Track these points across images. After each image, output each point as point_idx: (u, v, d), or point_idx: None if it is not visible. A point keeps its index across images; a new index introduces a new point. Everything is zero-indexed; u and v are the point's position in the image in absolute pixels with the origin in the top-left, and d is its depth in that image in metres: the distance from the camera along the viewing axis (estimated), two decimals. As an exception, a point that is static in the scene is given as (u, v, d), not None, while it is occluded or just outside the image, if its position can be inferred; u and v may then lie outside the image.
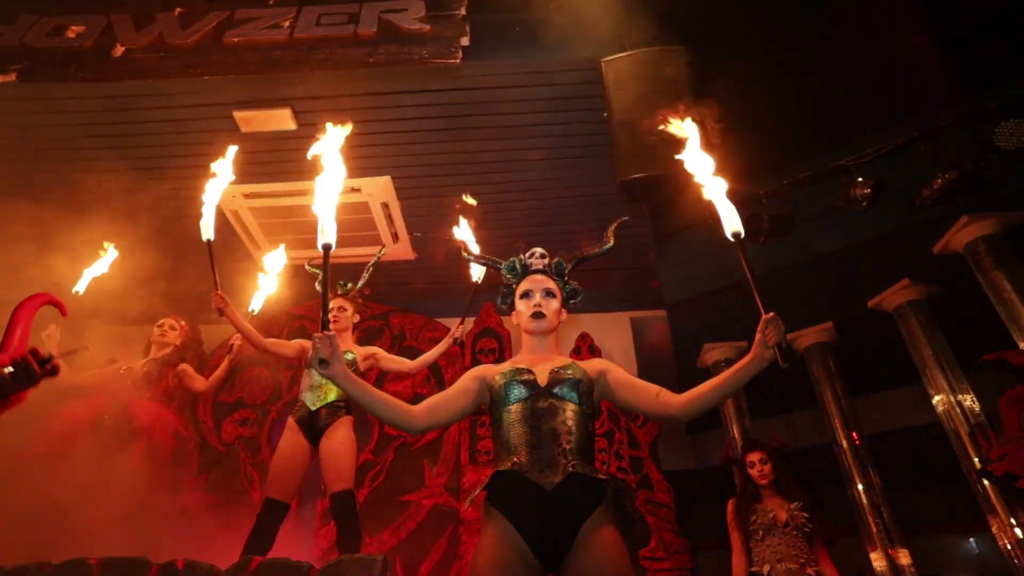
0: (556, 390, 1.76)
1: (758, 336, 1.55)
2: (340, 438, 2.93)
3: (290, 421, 3.02)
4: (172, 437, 3.16)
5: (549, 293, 1.94)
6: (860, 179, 4.35)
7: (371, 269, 3.41)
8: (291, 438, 2.96)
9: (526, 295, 1.94)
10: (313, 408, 2.98)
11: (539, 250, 2.04)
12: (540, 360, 1.88)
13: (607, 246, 2.08)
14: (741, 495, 3.19)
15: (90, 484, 2.84)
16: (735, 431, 5.53)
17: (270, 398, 5.04)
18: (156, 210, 4.33)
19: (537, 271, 1.99)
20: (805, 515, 2.96)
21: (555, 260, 2.03)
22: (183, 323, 3.62)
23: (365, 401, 1.61)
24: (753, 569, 2.98)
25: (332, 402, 2.99)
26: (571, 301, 2.03)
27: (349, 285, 3.38)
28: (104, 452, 2.97)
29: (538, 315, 1.89)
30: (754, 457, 3.20)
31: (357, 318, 3.34)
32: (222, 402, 5.04)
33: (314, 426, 2.97)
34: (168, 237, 4.49)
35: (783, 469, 3.16)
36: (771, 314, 1.53)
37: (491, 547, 1.59)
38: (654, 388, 1.78)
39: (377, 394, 1.64)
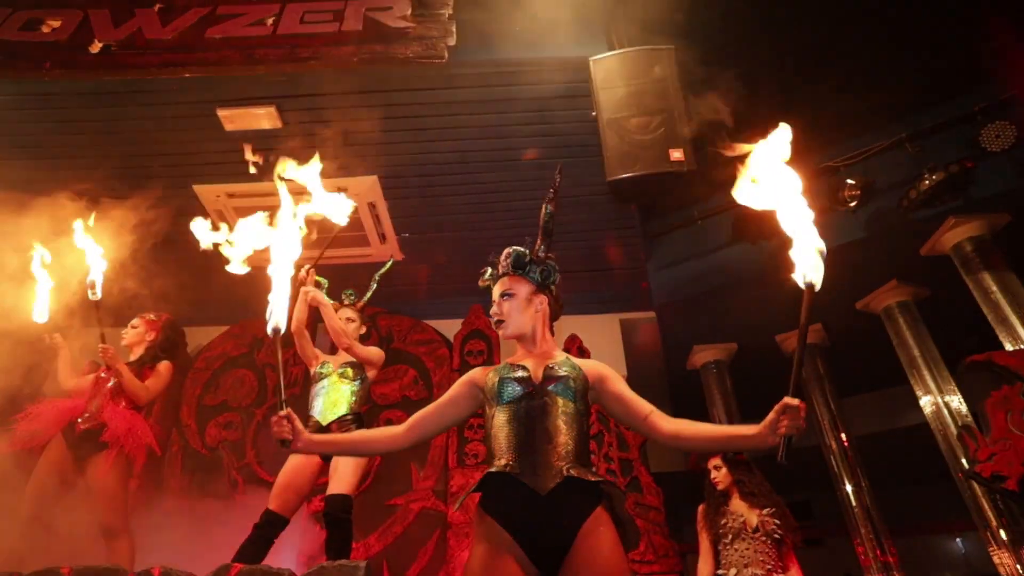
0: (551, 387, 1.71)
1: (771, 416, 1.44)
2: None
3: None
4: (144, 450, 3.06)
5: (505, 295, 1.86)
6: (849, 181, 4.37)
7: (378, 280, 3.37)
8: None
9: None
10: (324, 423, 2.98)
11: (507, 250, 1.93)
12: (535, 356, 1.83)
13: (550, 196, 1.95)
14: (710, 499, 3.20)
15: (59, 490, 2.77)
16: (725, 433, 5.54)
17: (255, 401, 4.96)
18: (138, 209, 4.26)
19: (503, 275, 1.91)
20: (776, 521, 2.96)
21: (512, 254, 1.90)
22: (153, 317, 3.46)
23: (345, 452, 1.69)
24: (719, 572, 2.98)
25: (342, 416, 3.01)
26: (547, 282, 1.91)
27: (354, 296, 3.34)
28: (74, 458, 2.90)
29: (498, 323, 1.86)
30: (711, 463, 3.24)
31: (364, 329, 3.31)
32: (206, 405, 4.96)
33: None
34: (152, 236, 4.41)
35: (742, 474, 3.16)
36: (796, 401, 1.40)
37: (485, 554, 1.55)
38: (645, 408, 1.74)
39: (350, 439, 1.71)
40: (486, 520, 1.61)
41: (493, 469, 1.64)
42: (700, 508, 3.23)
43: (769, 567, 2.86)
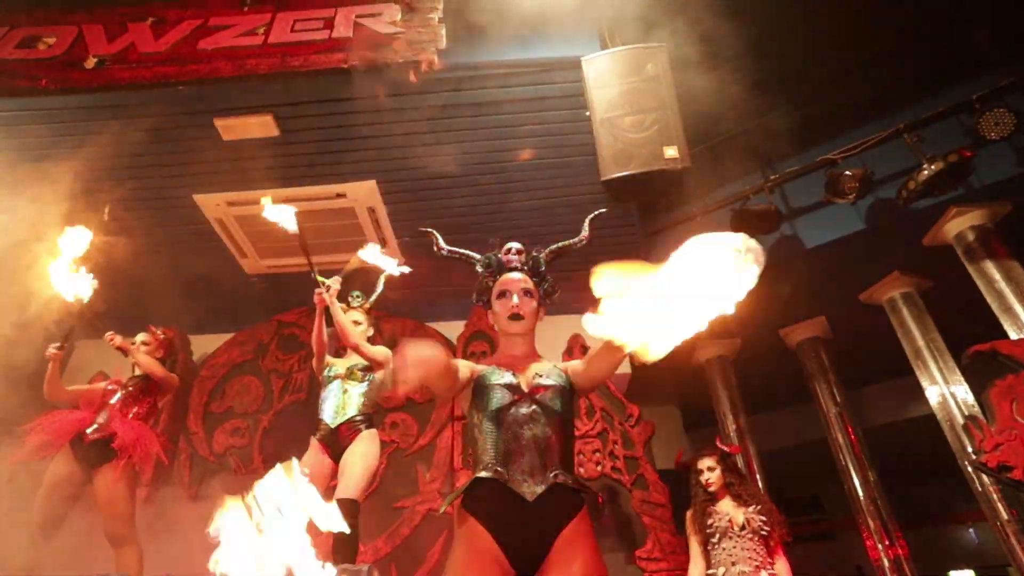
0: (539, 396, 1.72)
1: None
2: (358, 450, 2.95)
3: (313, 441, 3.05)
4: (152, 459, 3.10)
5: (527, 293, 1.89)
6: (847, 172, 4.34)
7: (384, 281, 3.39)
8: (314, 456, 2.98)
9: (503, 295, 1.90)
10: (334, 426, 3.01)
11: (515, 245, 2.00)
12: (520, 361, 1.84)
13: (582, 238, 2.05)
14: (696, 501, 3.19)
15: (67, 500, 2.80)
16: (730, 427, 5.51)
17: (261, 407, 5.00)
18: (140, 220, 4.30)
19: (514, 269, 1.95)
20: (762, 518, 2.97)
21: (532, 256, 1.98)
22: (162, 333, 3.54)
23: None
24: (708, 572, 2.98)
25: (351, 418, 3.02)
26: (547, 300, 1.98)
27: (362, 298, 3.36)
28: (82, 468, 2.94)
29: (516, 317, 1.85)
30: (704, 463, 3.20)
31: (371, 332, 3.33)
32: (212, 412, 5.00)
33: (337, 444, 3.00)
34: (153, 247, 4.46)
35: (734, 477, 3.17)
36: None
37: (466, 558, 1.56)
38: (586, 360, 1.77)
39: None
40: (469, 521, 1.61)
41: (482, 474, 1.65)
42: (688, 513, 3.22)
43: (756, 563, 2.87)
